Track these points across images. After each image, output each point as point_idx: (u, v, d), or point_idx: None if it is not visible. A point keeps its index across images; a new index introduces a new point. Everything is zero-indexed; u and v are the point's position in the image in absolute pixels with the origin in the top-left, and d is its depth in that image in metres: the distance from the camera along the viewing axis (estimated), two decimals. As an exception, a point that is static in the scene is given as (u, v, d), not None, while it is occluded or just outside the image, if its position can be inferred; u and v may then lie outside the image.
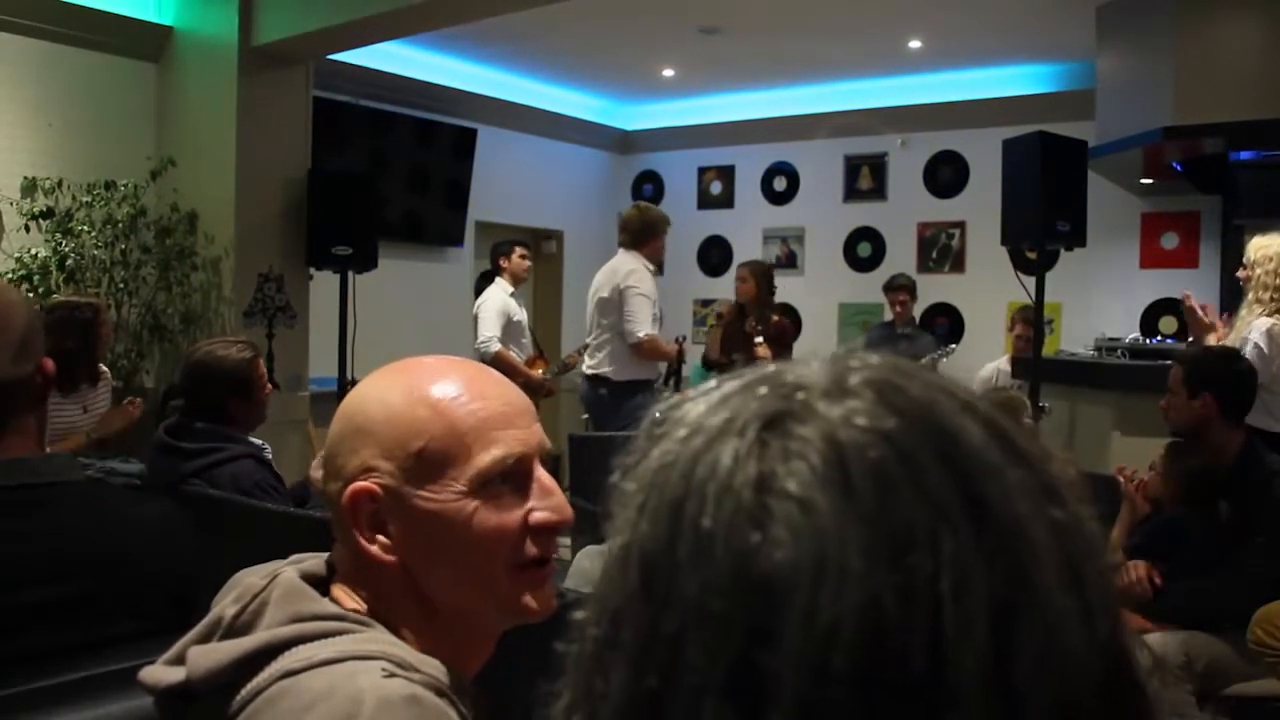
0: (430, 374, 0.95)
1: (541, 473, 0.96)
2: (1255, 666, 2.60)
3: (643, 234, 4.80)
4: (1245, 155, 5.50)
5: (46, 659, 1.28)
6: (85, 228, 5.01)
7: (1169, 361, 3.78)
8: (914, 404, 0.39)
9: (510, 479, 0.93)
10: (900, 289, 6.38)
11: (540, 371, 5.50)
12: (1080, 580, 0.38)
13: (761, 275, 5.46)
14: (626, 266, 4.88)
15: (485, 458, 0.91)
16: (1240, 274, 3.69)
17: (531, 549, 0.94)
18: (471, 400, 0.93)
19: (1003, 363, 6.00)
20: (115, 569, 1.39)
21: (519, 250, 5.77)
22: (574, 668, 0.42)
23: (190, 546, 1.50)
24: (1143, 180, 6.07)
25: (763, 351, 5.10)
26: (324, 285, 5.47)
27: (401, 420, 0.92)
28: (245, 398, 2.82)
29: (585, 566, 1.94)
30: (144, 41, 5.49)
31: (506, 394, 0.96)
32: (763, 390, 0.41)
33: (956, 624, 0.35)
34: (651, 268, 4.86)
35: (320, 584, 0.94)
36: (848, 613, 0.35)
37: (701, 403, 0.42)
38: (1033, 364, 4.54)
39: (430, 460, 0.91)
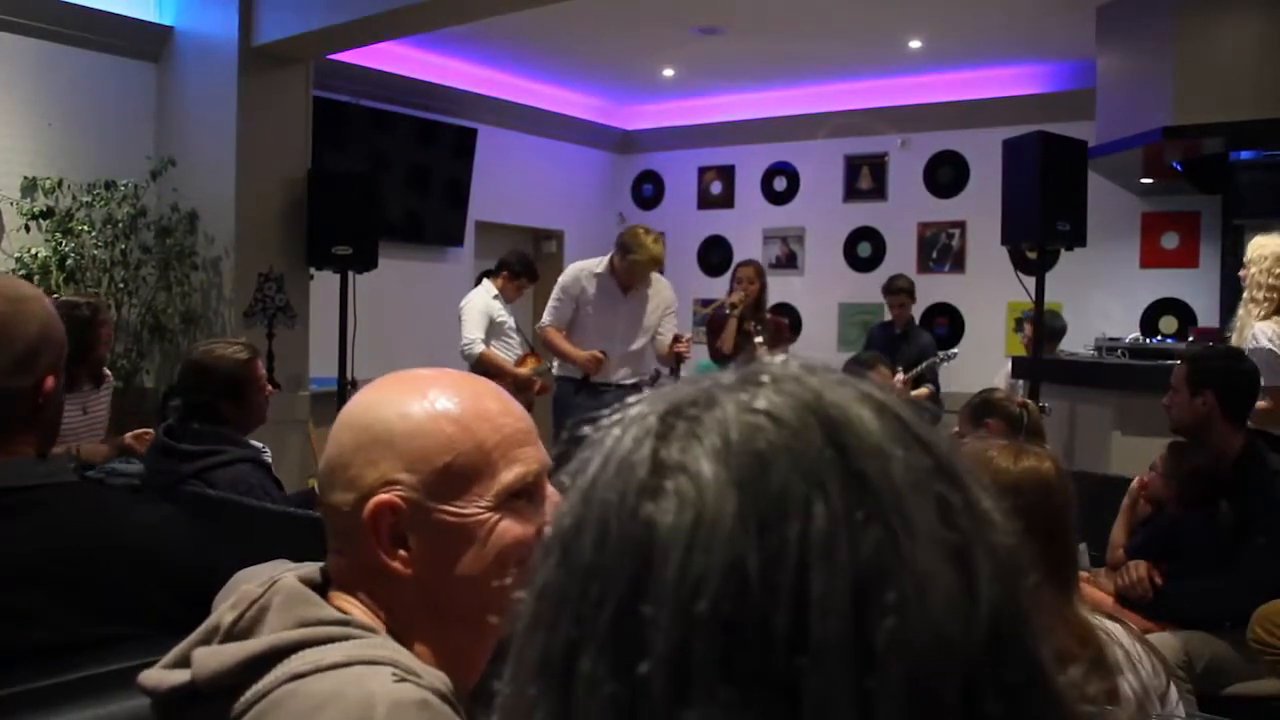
0: (447, 389, 0.96)
1: (552, 489, 0.99)
2: (1255, 666, 2.60)
3: (617, 250, 4.80)
4: (1245, 155, 5.50)
5: (46, 659, 1.28)
6: (85, 228, 5.01)
7: (1169, 361, 3.78)
8: (809, 390, 0.43)
9: (527, 493, 0.96)
10: (899, 292, 6.35)
11: (529, 369, 5.50)
12: (966, 557, 0.40)
13: (763, 276, 5.47)
14: (569, 273, 4.94)
15: (509, 475, 0.94)
16: (1241, 273, 3.71)
17: None
18: (494, 418, 0.95)
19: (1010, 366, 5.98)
20: (114, 569, 1.39)
21: (524, 282, 5.82)
22: (511, 646, 0.45)
23: (189, 547, 1.50)
24: (1143, 180, 6.07)
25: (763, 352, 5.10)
26: (324, 285, 5.47)
27: (425, 434, 0.92)
28: (239, 400, 2.77)
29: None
30: (144, 41, 5.49)
31: (519, 411, 0.99)
32: (683, 386, 0.46)
33: (819, 584, 0.38)
34: (601, 269, 4.82)
35: (317, 591, 0.93)
36: (715, 568, 0.38)
37: (638, 403, 0.46)
38: (1033, 364, 4.55)
39: (456, 475, 0.92)
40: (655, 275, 4.93)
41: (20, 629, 1.30)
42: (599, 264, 4.86)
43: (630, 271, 4.72)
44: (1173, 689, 1.55)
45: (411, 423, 0.93)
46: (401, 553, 0.92)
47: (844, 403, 0.43)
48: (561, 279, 4.96)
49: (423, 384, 0.96)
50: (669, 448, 0.42)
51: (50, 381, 1.41)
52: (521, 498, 0.95)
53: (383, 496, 0.91)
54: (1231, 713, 2.56)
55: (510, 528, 0.94)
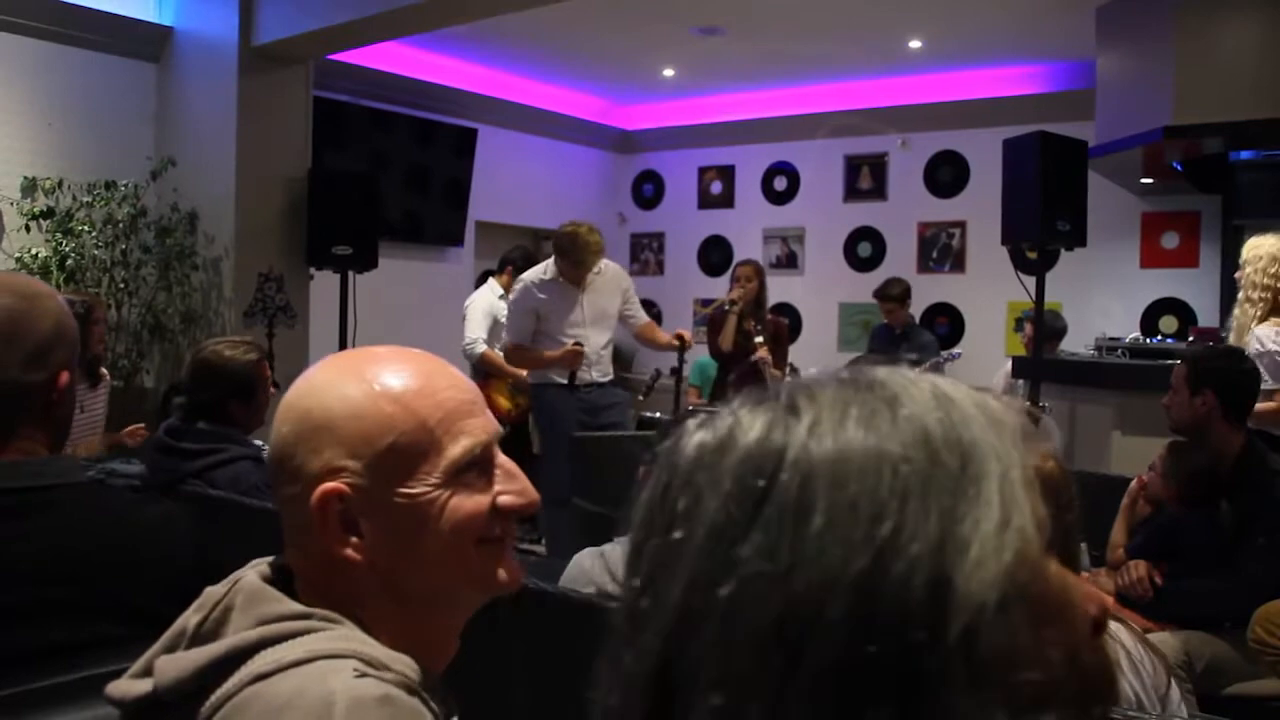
0: (386, 366, 0.93)
1: (502, 458, 0.96)
2: (1255, 666, 2.60)
3: (558, 255, 4.74)
4: (1245, 155, 5.50)
5: (47, 659, 1.28)
6: (85, 228, 5.01)
7: (1169, 361, 3.78)
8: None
9: (476, 466, 0.93)
10: (888, 299, 6.30)
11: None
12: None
13: (762, 274, 5.45)
14: (518, 289, 4.86)
15: (455, 449, 0.91)
16: (1237, 274, 3.71)
17: (495, 530, 0.93)
18: (435, 392, 0.92)
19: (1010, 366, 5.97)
20: (116, 570, 1.39)
21: None
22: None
23: (190, 547, 1.50)
24: (1143, 180, 6.07)
25: (764, 352, 5.09)
26: (324, 285, 5.47)
27: (366, 416, 0.90)
28: (247, 400, 2.80)
29: (586, 566, 1.93)
30: (144, 41, 5.49)
31: (463, 383, 0.96)
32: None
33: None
34: (548, 275, 4.76)
35: (280, 587, 0.91)
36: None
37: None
38: (1033, 364, 4.55)
39: (401, 455, 0.90)
40: (603, 261, 4.89)
41: (23, 629, 1.30)
42: (544, 271, 4.80)
43: (578, 269, 4.71)
44: (1174, 689, 1.55)
45: (350, 405, 0.90)
46: (354, 540, 0.89)
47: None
48: (512, 296, 4.88)
49: (360, 364, 0.93)
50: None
51: (65, 378, 1.41)
52: (472, 470, 0.92)
53: (328, 485, 0.88)
54: (1231, 713, 2.56)
55: (461, 504, 0.91)
